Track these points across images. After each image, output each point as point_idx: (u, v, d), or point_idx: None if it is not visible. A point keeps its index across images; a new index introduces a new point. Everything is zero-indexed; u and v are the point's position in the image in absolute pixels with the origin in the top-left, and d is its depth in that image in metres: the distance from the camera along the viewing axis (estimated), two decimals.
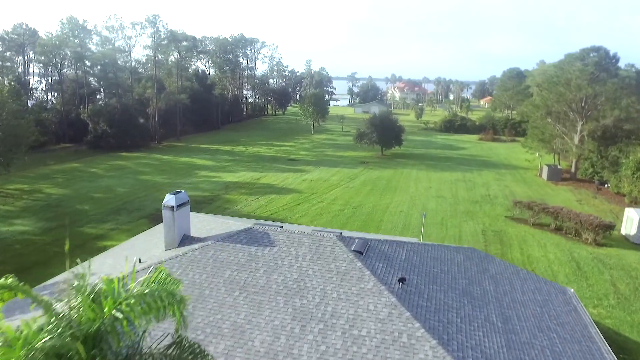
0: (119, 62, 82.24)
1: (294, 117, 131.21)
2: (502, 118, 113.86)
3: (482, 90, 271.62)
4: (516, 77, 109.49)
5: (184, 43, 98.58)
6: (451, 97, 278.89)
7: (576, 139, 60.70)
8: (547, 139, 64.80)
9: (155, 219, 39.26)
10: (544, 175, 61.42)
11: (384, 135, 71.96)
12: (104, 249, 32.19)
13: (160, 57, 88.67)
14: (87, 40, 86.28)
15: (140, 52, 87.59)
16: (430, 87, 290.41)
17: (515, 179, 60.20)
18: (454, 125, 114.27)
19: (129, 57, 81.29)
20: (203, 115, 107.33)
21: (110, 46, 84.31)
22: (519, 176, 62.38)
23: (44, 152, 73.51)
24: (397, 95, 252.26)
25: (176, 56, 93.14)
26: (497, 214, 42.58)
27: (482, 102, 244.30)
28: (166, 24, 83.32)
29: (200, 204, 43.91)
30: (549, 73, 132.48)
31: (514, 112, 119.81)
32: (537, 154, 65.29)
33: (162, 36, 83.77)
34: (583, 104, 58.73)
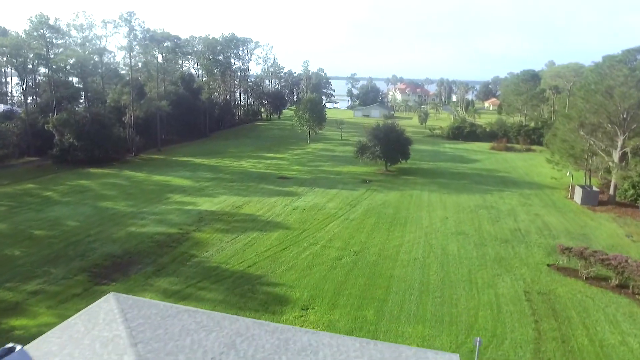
0: (91, 65, 72.81)
1: (289, 123, 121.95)
2: (514, 124, 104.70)
3: (486, 91, 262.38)
4: (531, 80, 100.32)
5: (167, 43, 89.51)
6: (454, 98, 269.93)
7: (616, 156, 51.69)
8: (578, 154, 55.93)
9: (98, 274, 30.35)
10: (577, 198, 52.38)
11: (388, 148, 62.92)
12: (4, 334, 23.11)
13: (139, 59, 79.45)
14: (57, 41, 77.12)
15: (115, 53, 79.45)
16: (432, 89, 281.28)
17: (544, 203, 51.15)
18: (462, 132, 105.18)
19: (100, 59, 71.85)
20: (189, 122, 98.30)
21: (90, 47, 75.07)
22: (547, 199, 53.34)
23: (1, 168, 64.57)
24: (398, 96, 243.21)
25: (157, 58, 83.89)
26: (537, 262, 33.51)
27: (486, 104, 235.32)
28: (143, 22, 74.21)
29: (162, 248, 34.83)
30: (562, 75, 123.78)
31: (526, 117, 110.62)
32: (567, 173, 56.26)
33: (139, 36, 74.58)
34: (625, 116, 49.70)
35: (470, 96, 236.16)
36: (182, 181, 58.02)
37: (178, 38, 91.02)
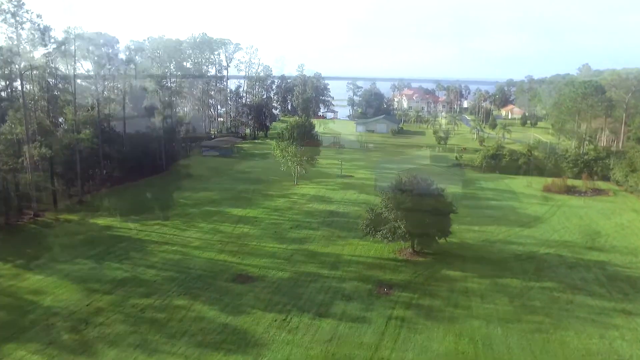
0: None
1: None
2: (568, 152, 79.77)
3: (502, 97, 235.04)
4: (594, 93, 75.56)
5: (102, 46, 64.81)
6: (464, 104, 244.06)
7: None
8: None
9: None
10: None
11: (419, 222, 38.17)
12: None
13: (43, 72, 54.47)
14: None
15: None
16: (440, 94, 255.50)
17: None
18: (500, 162, 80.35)
19: None
20: (138, 153, 73.59)
21: None
22: None
23: None
24: (405, 102, 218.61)
25: (75, 68, 59.03)
26: None
27: (503, 112, 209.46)
28: (39, 16, 49.25)
29: None
30: (617, 84, 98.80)
31: (584, 141, 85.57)
32: None
33: (33, 37, 49.66)
34: None
35: (485, 103, 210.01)
36: (63, 293, 33.17)
37: (113, 40, 66.15)
